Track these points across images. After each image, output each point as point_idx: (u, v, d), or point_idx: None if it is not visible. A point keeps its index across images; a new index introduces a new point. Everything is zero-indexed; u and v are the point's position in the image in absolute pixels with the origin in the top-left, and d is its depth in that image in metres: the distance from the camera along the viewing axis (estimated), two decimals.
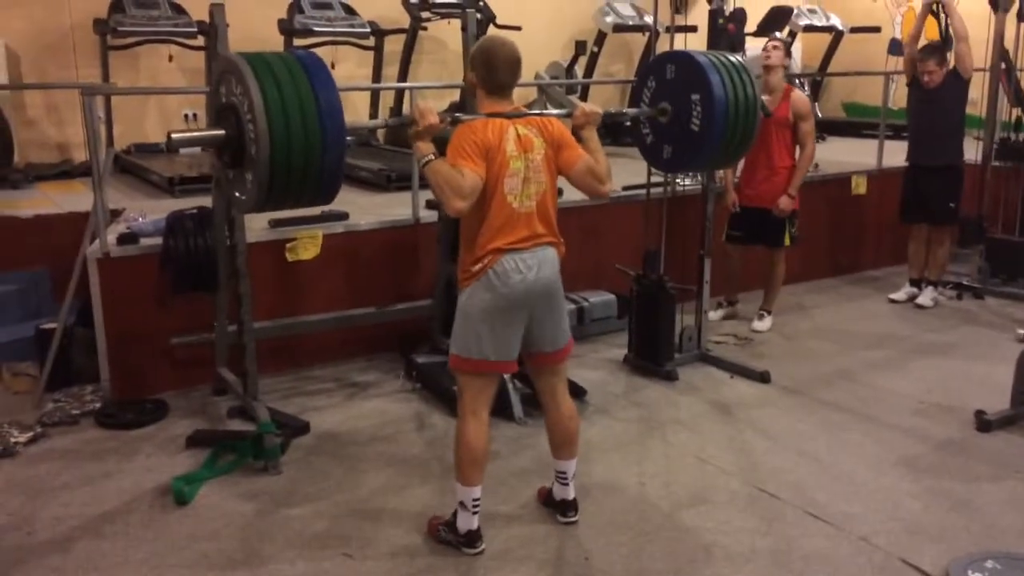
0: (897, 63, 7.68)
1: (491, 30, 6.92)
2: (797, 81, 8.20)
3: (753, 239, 5.33)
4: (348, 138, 4.44)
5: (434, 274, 4.67)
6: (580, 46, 8.11)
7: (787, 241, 5.29)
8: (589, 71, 8.33)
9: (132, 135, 6.95)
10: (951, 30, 5.68)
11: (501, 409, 3.78)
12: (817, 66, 9.42)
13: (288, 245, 4.46)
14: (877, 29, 9.50)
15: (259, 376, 3.93)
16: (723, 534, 3.09)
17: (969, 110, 5.78)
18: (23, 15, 6.58)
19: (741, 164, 5.14)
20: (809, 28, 9.03)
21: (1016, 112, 6.27)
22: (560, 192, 3.07)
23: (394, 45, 7.68)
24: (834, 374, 4.67)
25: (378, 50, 7.57)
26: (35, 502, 3.31)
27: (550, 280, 2.89)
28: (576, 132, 3.01)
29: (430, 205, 4.89)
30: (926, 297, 5.90)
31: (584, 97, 7.78)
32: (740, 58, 3.84)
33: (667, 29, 5.05)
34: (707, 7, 4.78)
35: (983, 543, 3.03)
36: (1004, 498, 3.36)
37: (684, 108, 3.69)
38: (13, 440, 3.73)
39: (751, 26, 6.88)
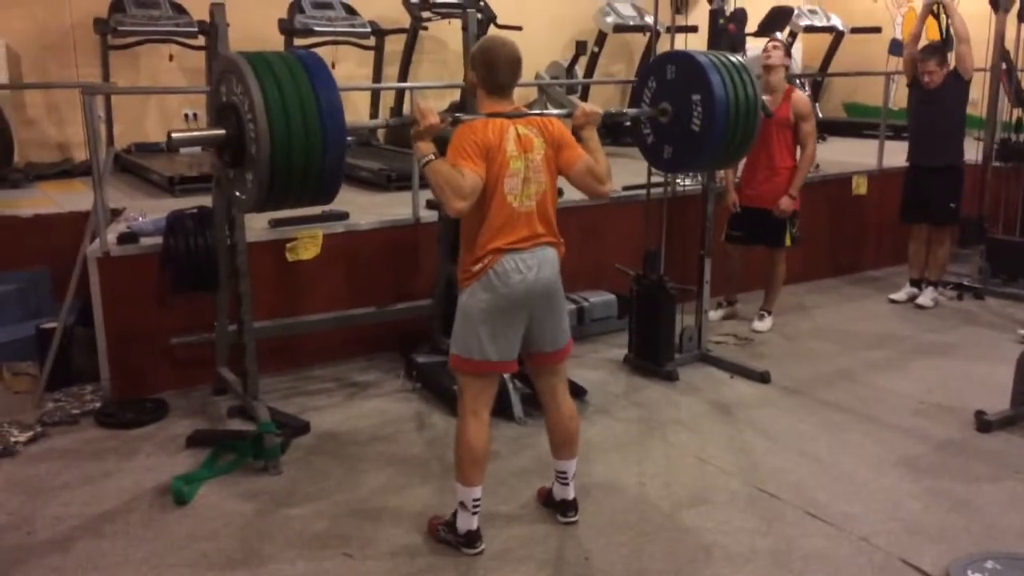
0: (898, 63, 7.67)
1: (492, 30, 6.91)
2: (798, 81, 8.20)
3: (754, 239, 5.33)
4: (348, 138, 4.43)
5: (434, 274, 4.67)
6: (581, 46, 8.10)
7: (788, 241, 5.29)
8: (590, 71, 8.32)
9: (132, 134, 6.95)
10: (952, 31, 5.68)
11: (501, 409, 3.78)
12: (818, 66, 9.42)
13: (288, 245, 4.46)
14: (878, 29, 9.50)
15: (259, 376, 3.93)
16: (723, 534, 3.09)
17: (970, 110, 5.78)
18: (24, 15, 6.58)
19: (742, 164, 5.15)
20: (810, 28, 9.03)
21: (1017, 113, 6.27)
22: (560, 192, 3.07)
23: (395, 45, 7.68)
24: (834, 374, 4.67)
25: (379, 50, 7.57)
26: (35, 501, 3.31)
27: (550, 280, 2.89)
28: (576, 132, 3.00)
29: (430, 205, 4.89)
30: (926, 297, 5.90)
31: (584, 97, 7.77)
32: (741, 58, 3.84)
33: (668, 29, 5.06)
34: (708, 7, 4.78)
35: (983, 543, 3.03)
36: (1004, 498, 3.36)
37: (685, 108, 3.69)
38: (13, 439, 3.73)
39: (752, 26, 6.88)
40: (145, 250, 4.19)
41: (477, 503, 2.93)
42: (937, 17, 5.88)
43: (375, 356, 4.83)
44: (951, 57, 5.62)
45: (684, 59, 3.78)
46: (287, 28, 6.90)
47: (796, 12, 8.80)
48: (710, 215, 4.84)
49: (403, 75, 7.70)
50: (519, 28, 6.67)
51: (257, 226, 4.40)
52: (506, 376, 3.79)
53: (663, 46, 5.08)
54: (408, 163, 5.18)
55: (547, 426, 3.13)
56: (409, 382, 4.46)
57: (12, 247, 4.83)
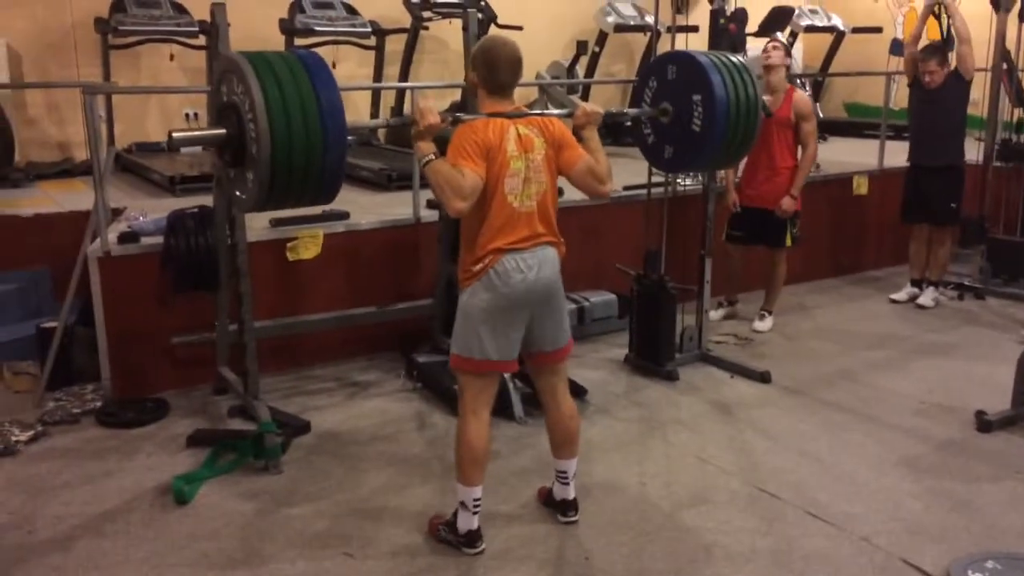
0: (898, 63, 7.66)
1: (492, 30, 6.92)
2: (799, 81, 8.20)
3: (754, 239, 5.33)
4: (349, 137, 4.44)
5: (435, 273, 4.68)
6: (581, 46, 8.10)
7: (788, 241, 5.28)
8: (590, 71, 8.32)
9: (133, 134, 6.96)
10: (953, 31, 5.68)
11: (502, 409, 3.78)
12: (819, 66, 9.42)
13: (289, 244, 4.46)
14: (879, 29, 9.50)
15: (260, 375, 3.93)
16: (724, 534, 3.09)
17: (970, 110, 5.78)
18: (25, 14, 6.59)
19: (742, 164, 5.14)
20: (810, 28, 9.03)
21: (1017, 113, 6.27)
22: (560, 192, 3.07)
23: (395, 45, 7.68)
24: (835, 374, 4.67)
25: (379, 50, 7.57)
26: (36, 501, 3.31)
27: (551, 280, 2.89)
28: (577, 132, 3.00)
29: (431, 205, 4.89)
30: (927, 297, 5.90)
31: (585, 97, 7.77)
32: (741, 58, 3.84)
33: (668, 29, 5.06)
34: (708, 7, 4.78)
35: (984, 543, 3.03)
36: (1005, 498, 3.36)
37: (685, 108, 3.69)
38: (14, 439, 3.73)
39: (752, 26, 6.89)
40: (146, 250, 4.19)
41: (478, 503, 2.93)
42: (938, 17, 5.88)
43: (376, 356, 4.83)
44: (952, 57, 5.62)
45: (685, 59, 3.77)
46: (288, 28, 6.90)
47: (797, 12, 8.80)
48: (711, 215, 4.84)
49: (404, 75, 7.70)
50: (520, 28, 6.67)
51: (258, 226, 4.40)
52: (506, 376, 3.79)
53: (664, 46, 5.08)
54: (409, 163, 5.18)
55: (547, 426, 3.13)
56: (410, 382, 4.46)
57: (13, 246, 4.84)
